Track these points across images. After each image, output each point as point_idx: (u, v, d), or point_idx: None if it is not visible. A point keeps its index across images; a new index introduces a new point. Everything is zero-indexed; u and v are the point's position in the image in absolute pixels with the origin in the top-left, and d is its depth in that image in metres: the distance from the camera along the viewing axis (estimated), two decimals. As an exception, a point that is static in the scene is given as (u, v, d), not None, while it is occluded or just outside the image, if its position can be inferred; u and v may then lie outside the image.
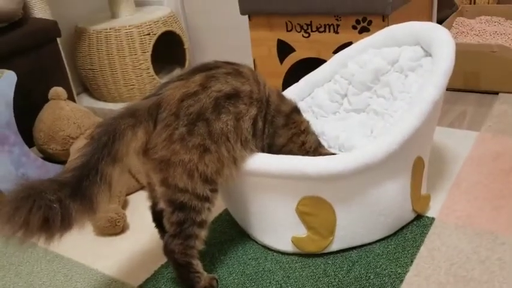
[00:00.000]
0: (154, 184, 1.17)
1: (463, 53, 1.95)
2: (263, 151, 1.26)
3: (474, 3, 2.72)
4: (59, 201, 0.95)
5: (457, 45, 1.37)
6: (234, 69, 1.21)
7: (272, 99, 1.28)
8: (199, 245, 1.18)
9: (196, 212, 1.14)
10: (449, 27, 2.46)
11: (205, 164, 1.12)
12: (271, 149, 1.29)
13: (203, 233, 1.17)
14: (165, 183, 1.12)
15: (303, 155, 1.31)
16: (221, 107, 1.14)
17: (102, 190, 1.00)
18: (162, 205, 1.16)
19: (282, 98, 1.33)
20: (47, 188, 0.95)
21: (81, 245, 1.47)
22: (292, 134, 1.32)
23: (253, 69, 1.28)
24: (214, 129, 1.12)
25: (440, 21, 2.40)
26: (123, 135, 1.04)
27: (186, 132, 1.10)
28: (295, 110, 1.34)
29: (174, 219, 1.14)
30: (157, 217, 1.26)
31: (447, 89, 1.30)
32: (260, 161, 1.21)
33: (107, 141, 1.02)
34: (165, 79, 2.54)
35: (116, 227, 1.48)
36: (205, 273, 1.21)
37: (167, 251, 1.17)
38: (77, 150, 1.19)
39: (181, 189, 1.12)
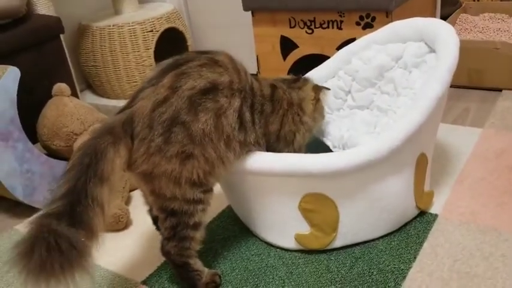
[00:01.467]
0: (145, 193, 1.17)
1: (466, 50, 1.94)
2: (259, 144, 1.22)
3: (478, 0, 2.70)
4: (63, 236, 0.90)
5: (461, 42, 1.37)
6: (209, 59, 1.12)
7: (255, 85, 1.21)
8: (195, 246, 1.16)
9: (189, 215, 1.12)
10: (452, 24, 2.45)
11: (188, 171, 1.08)
12: (269, 137, 1.26)
13: (198, 234, 1.15)
14: (154, 194, 1.11)
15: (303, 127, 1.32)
16: (197, 105, 1.06)
17: (96, 213, 0.95)
18: (155, 212, 1.17)
19: (260, 81, 1.27)
20: (49, 225, 0.90)
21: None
22: (282, 117, 1.27)
23: (232, 56, 1.20)
24: (194, 131, 1.06)
25: (443, 18, 2.39)
26: (105, 153, 0.99)
27: (163, 142, 1.04)
28: (273, 87, 1.28)
29: (167, 224, 1.13)
30: (156, 221, 1.25)
31: (451, 86, 1.29)
32: (262, 160, 1.19)
33: (90, 163, 0.97)
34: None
35: (119, 223, 1.48)
36: (206, 270, 1.21)
37: (164, 252, 1.17)
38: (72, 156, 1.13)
39: (169, 198, 1.09)
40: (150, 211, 1.28)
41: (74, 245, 0.90)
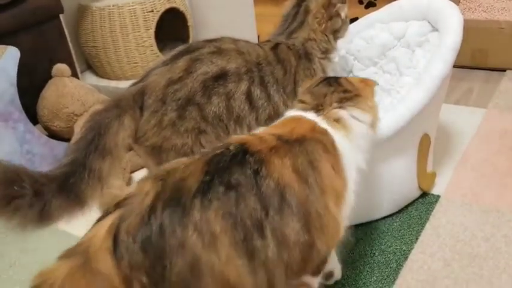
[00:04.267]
0: (151, 168, 1.17)
1: (470, 30, 1.92)
2: (278, 116, 1.20)
3: (483, -22, 2.66)
4: (38, 194, 0.94)
5: (465, 21, 1.34)
6: (217, 47, 1.18)
7: (261, 57, 1.22)
8: None
9: None
10: (456, 3, 2.41)
11: (201, 145, 1.11)
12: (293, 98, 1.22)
13: None
14: None
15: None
16: (210, 90, 1.12)
17: (90, 185, 1.00)
18: None
19: (263, 47, 1.26)
20: (32, 178, 0.95)
21: (86, 222, 1.46)
22: (294, 75, 1.25)
23: (234, 38, 1.23)
24: (206, 113, 1.12)
25: (448, -3, 2.36)
26: (109, 128, 1.04)
27: (177, 117, 1.09)
28: (275, 47, 1.27)
29: None
30: None
31: (454, 66, 1.28)
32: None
33: (93, 137, 1.02)
34: (168, 56, 2.51)
35: (120, 204, 1.48)
36: None
37: None
38: (80, 127, 1.19)
39: None
40: None
41: (44, 204, 0.94)
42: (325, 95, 0.99)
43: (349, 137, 0.95)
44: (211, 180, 0.78)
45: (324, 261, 0.95)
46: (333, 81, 1.03)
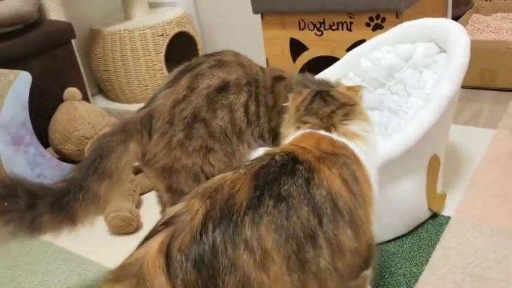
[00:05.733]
0: (160, 191, 1.18)
1: (479, 50, 1.92)
2: (263, 139, 1.21)
3: (490, 0, 2.68)
4: (31, 208, 0.99)
5: (473, 42, 1.35)
6: (217, 60, 1.19)
7: (260, 77, 1.23)
8: None
9: None
10: (465, 24, 2.42)
11: (210, 164, 1.12)
12: (273, 133, 1.22)
13: None
14: (171, 190, 1.13)
15: None
16: (214, 103, 1.13)
17: (83, 206, 1.03)
18: None
19: (263, 70, 1.26)
20: (26, 189, 1.00)
21: (95, 244, 1.47)
22: (278, 113, 1.22)
23: (235, 52, 1.25)
24: (213, 128, 1.12)
25: (455, 19, 2.37)
26: (111, 152, 1.05)
27: (184, 137, 1.10)
28: (275, 79, 1.25)
29: None
30: None
31: (463, 87, 1.28)
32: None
33: (94, 160, 1.05)
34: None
35: (129, 226, 1.49)
36: None
37: None
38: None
39: (188, 193, 1.11)
40: (163, 212, 1.28)
41: (33, 217, 0.99)
42: (330, 114, 0.99)
43: (366, 148, 0.96)
44: (261, 194, 0.78)
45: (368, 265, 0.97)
46: (325, 96, 1.03)
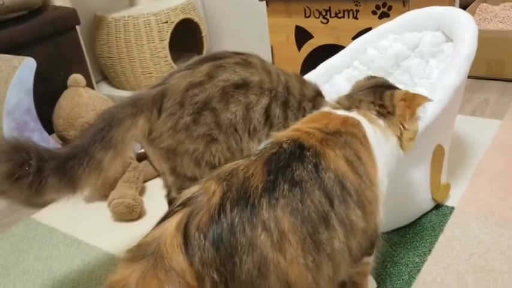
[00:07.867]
0: (165, 173, 1.18)
1: (486, 40, 1.90)
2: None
3: (498, -11, 2.64)
4: (38, 169, 0.98)
5: (480, 31, 1.33)
6: (243, 60, 1.19)
7: (292, 84, 1.25)
8: None
9: None
10: (472, 14, 2.40)
11: (211, 154, 1.11)
12: None
13: None
14: (174, 172, 1.13)
15: None
16: (229, 97, 1.12)
17: (87, 172, 1.02)
18: (174, 194, 1.16)
19: (304, 82, 1.30)
20: (37, 152, 0.99)
21: (99, 230, 1.48)
22: None
23: (263, 58, 1.26)
24: (222, 119, 1.11)
25: (463, 7, 2.34)
26: (120, 123, 1.05)
27: (191, 122, 1.09)
28: (319, 94, 1.31)
29: None
30: None
31: (469, 77, 1.26)
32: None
33: (102, 128, 1.04)
34: (183, 67, 2.53)
35: (133, 213, 1.49)
36: None
37: None
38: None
39: (190, 177, 1.11)
40: (168, 195, 1.28)
41: (37, 180, 0.98)
42: (361, 100, 1.00)
43: (380, 136, 0.97)
44: (275, 179, 0.80)
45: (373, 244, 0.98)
46: (377, 93, 1.03)
